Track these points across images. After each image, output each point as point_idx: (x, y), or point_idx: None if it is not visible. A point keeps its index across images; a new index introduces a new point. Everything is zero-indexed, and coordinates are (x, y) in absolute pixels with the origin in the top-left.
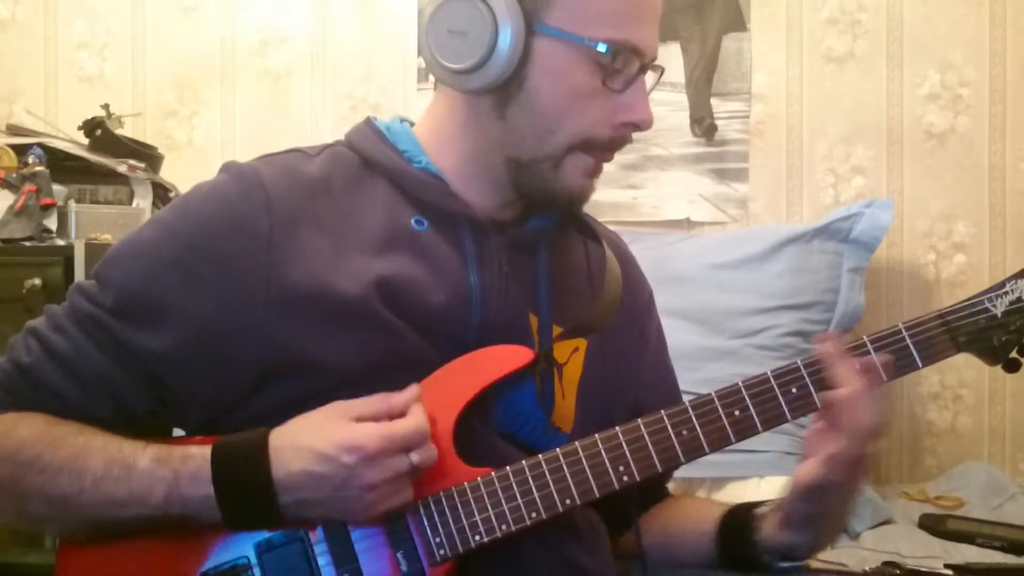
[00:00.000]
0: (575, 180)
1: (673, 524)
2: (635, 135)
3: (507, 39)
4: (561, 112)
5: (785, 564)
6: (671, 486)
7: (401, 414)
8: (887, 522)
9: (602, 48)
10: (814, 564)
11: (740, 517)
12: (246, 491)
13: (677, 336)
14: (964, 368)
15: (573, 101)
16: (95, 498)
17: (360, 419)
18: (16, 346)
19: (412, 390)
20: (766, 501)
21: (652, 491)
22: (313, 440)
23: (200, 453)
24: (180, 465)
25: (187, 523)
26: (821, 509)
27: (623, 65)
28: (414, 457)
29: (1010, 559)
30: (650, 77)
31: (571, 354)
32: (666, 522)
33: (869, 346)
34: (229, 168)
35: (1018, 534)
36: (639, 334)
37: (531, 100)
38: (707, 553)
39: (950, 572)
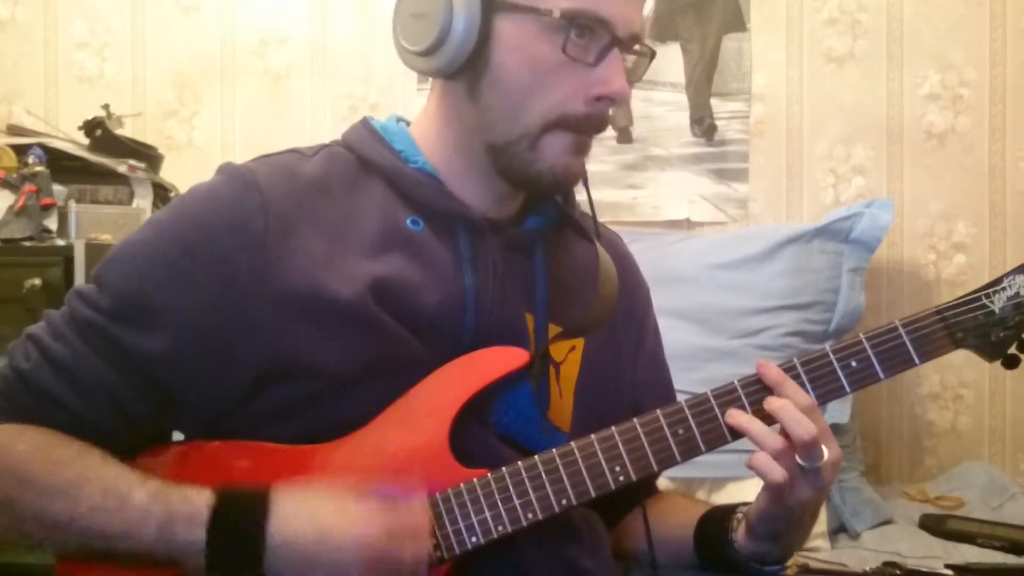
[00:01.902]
0: (556, 159)
1: (657, 526)
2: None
3: (460, 16)
4: (528, 87)
5: (768, 568)
6: (672, 486)
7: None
8: (887, 522)
9: (556, 15)
10: (814, 564)
11: (718, 520)
12: (236, 549)
13: (677, 336)
14: (964, 368)
15: (538, 75)
16: (88, 528)
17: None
18: (15, 353)
19: (420, 492)
20: (745, 504)
21: (640, 488)
22: (322, 534)
23: (201, 500)
24: (178, 505)
25: (171, 565)
26: (778, 522)
27: (588, 36)
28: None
29: (1010, 559)
30: (639, 61)
31: (568, 353)
32: (651, 523)
33: (865, 343)
34: (225, 169)
35: (1018, 534)
36: (637, 333)
37: (498, 78)
38: (687, 555)
39: (950, 572)
